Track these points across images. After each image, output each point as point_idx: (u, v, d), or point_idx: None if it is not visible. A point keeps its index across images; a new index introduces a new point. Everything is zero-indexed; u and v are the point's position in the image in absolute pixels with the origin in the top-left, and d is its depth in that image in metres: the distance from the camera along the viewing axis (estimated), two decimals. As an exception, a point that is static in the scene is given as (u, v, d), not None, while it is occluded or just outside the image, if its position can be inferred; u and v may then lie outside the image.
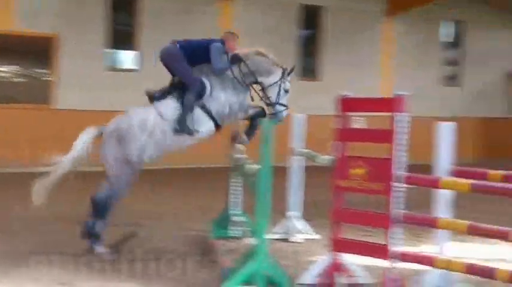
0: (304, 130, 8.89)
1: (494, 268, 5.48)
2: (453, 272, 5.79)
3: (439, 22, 23.97)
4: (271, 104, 8.21)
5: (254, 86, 8.32)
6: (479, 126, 23.17)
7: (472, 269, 5.56)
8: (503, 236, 5.40)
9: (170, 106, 8.00)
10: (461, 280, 6.08)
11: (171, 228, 9.50)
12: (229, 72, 8.18)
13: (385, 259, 5.96)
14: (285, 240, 8.83)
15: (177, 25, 18.14)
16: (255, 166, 7.09)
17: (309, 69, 21.49)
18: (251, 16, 19.89)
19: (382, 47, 22.63)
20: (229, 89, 8.15)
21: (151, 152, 7.90)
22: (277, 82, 8.18)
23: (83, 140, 7.96)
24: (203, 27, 17.50)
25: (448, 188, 5.84)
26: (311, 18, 21.58)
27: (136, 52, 18.27)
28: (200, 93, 8.02)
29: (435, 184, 5.86)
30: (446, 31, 24.29)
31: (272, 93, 8.19)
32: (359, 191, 6.21)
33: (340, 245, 6.46)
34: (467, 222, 5.57)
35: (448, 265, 5.68)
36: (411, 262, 6.00)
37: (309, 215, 9.41)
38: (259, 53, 8.27)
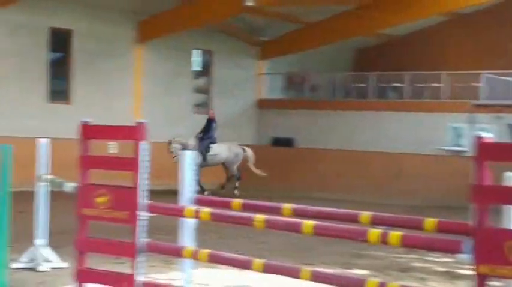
0: (48, 155, 8.58)
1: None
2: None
3: (190, 51, 24.40)
4: None
5: None
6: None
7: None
8: (244, 265, 5.54)
9: None
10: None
11: None
12: None
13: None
14: (32, 269, 8.43)
15: None
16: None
17: (59, 92, 21.07)
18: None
19: (134, 74, 22.63)
20: None
21: None
22: None
23: None
24: None
25: (190, 217, 5.88)
26: (61, 42, 21.18)
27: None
28: None
29: (179, 213, 5.91)
30: (197, 60, 24.81)
31: None
32: (104, 219, 6.06)
33: (85, 275, 6.26)
34: (208, 251, 5.62)
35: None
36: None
37: (57, 242, 9.05)
38: None
